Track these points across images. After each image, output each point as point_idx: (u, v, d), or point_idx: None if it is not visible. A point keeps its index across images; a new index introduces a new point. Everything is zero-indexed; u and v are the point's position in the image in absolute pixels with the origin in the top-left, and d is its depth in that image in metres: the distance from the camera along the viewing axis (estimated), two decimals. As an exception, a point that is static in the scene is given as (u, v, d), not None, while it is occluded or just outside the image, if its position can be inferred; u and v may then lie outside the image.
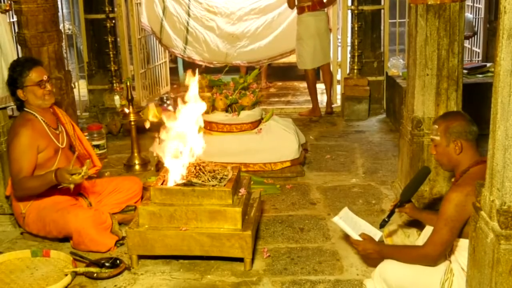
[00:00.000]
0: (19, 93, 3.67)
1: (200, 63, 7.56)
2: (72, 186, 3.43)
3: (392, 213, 3.09)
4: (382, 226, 3.07)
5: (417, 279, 2.66)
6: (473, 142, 2.72)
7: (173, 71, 8.94)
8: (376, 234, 3.06)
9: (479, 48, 8.03)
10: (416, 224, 3.40)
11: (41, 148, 3.64)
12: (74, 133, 3.98)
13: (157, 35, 7.31)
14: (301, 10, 6.64)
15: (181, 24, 7.23)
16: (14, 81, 3.66)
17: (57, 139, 3.78)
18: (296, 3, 6.64)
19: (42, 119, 3.72)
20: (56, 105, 3.90)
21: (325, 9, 6.82)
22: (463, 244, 2.60)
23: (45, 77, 3.69)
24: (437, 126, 2.79)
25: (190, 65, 8.36)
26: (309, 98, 7.17)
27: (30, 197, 3.66)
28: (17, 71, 3.66)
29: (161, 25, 7.21)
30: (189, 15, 7.21)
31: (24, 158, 3.55)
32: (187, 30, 7.25)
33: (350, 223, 3.10)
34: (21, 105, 3.75)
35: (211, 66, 7.43)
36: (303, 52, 6.79)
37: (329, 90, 7.13)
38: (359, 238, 2.96)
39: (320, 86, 8.49)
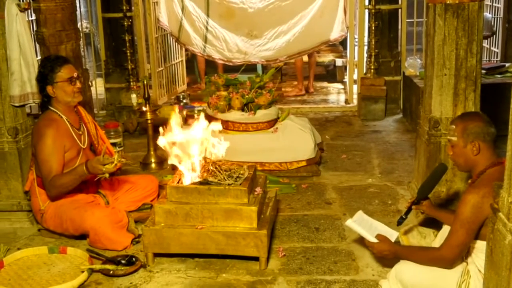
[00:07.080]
0: (49, 89, 3.68)
1: (220, 61, 7.57)
2: (107, 175, 3.42)
3: (409, 210, 3.08)
4: (399, 223, 3.06)
5: (433, 281, 2.64)
6: (490, 143, 2.70)
7: (190, 70, 8.96)
8: (392, 234, 3.04)
9: (497, 48, 7.95)
10: (433, 225, 3.38)
11: (66, 148, 3.65)
12: (97, 132, 4.00)
13: (174, 34, 7.33)
14: None
15: (201, 23, 7.25)
16: (45, 77, 3.67)
17: (80, 140, 3.79)
18: None
19: (66, 119, 3.73)
20: (79, 104, 3.91)
21: None
22: (480, 246, 2.58)
23: (75, 74, 3.73)
24: (454, 127, 2.77)
25: (208, 63, 8.40)
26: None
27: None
28: (48, 67, 3.68)
29: (180, 24, 7.23)
30: (208, 14, 7.22)
31: (52, 158, 3.56)
32: (207, 28, 7.26)
33: (365, 225, 3.08)
34: (46, 103, 3.74)
35: (230, 64, 7.44)
36: None
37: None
38: (374, 240, 2.94)
39: (337, 86, 8.52)
